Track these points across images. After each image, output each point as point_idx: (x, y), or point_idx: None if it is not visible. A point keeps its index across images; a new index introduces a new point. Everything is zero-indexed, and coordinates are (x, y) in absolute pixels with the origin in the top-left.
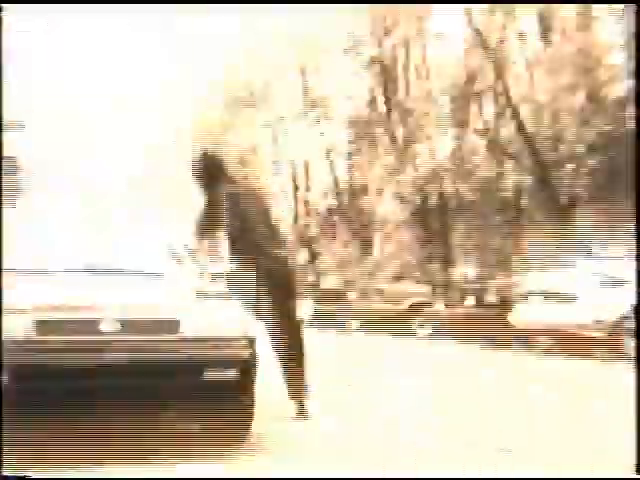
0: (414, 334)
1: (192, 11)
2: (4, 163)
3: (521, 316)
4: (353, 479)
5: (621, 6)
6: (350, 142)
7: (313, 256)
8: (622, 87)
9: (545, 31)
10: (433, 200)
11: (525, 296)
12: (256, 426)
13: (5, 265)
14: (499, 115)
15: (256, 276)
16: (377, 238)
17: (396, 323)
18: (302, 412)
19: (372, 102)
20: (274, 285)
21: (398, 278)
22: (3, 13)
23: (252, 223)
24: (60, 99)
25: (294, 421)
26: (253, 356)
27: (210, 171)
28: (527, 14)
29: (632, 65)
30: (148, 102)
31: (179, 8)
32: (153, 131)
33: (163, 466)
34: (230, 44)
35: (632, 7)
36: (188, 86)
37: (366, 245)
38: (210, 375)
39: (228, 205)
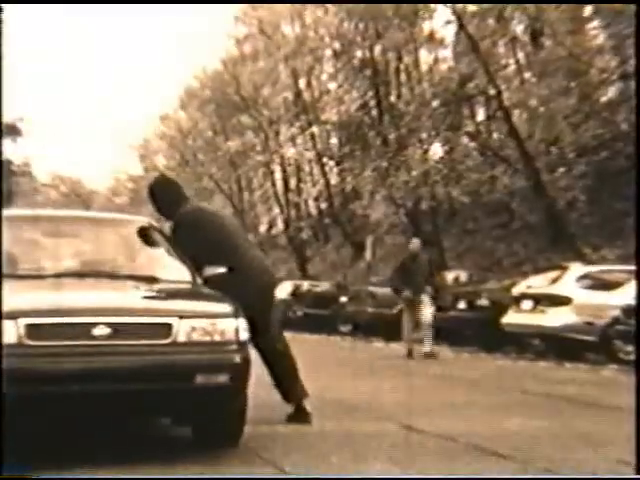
0: None
1: (185, 10)
2: None
3: (513, 320)
4: (353, 479)
5: (617, 7)
6: (342, 146)
7: (305, 260)
8: (614, 89)
9: (536, 35)
10: (425, 203)
11: (517, 299)
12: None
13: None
14: (491, 118)
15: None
16: (369, 241)
17: (388, 327)
18: (301, 415)
19: (364, 105)
20: (251, 297)
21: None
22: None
23: (216, 240)
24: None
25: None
26: (245, 360)
27: (169, 196)
28: (518, 18)
29: (626, 67)
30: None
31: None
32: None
33: (155, 471)
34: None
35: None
36: (177, 87)
37: (358, 249)
38: (202, 380)
39: (191, 225)
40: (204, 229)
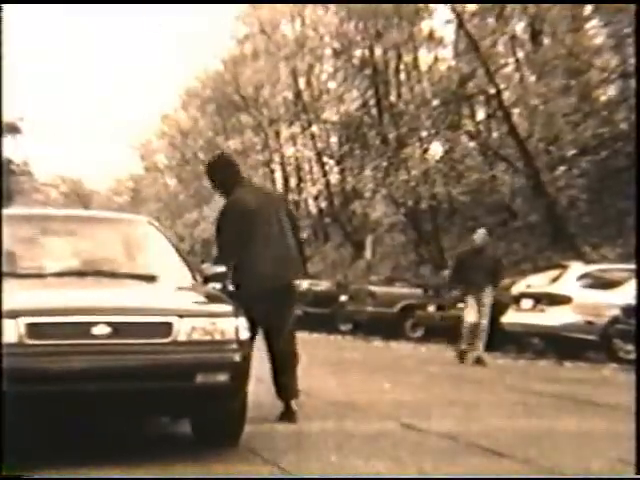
0: (406, 336)
1: (185, 10)
2: None
3: (513, 319)
4: (353, 479)
5: (617, 5)
6: (341, 145)
7: (305, 258)
8: (614, 88)
9: (536, 34)
10: (425, 203)
11: (517, 298)
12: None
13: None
14: (491, 117)
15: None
16: (369, 241)
17: (388, 326)
18: (288, 414)
19: (363, 105)
20: (269, 291)
21: (390, 281)
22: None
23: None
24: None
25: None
26: (245, 359)
27: (226, 174)
28: (518, 17)
29: (626, 66)
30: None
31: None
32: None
33: (156, 470)
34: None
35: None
36: (177, 87)
37: (358, 248)
38: (202, 379)
39: (237, 211)
40: (240, 220)
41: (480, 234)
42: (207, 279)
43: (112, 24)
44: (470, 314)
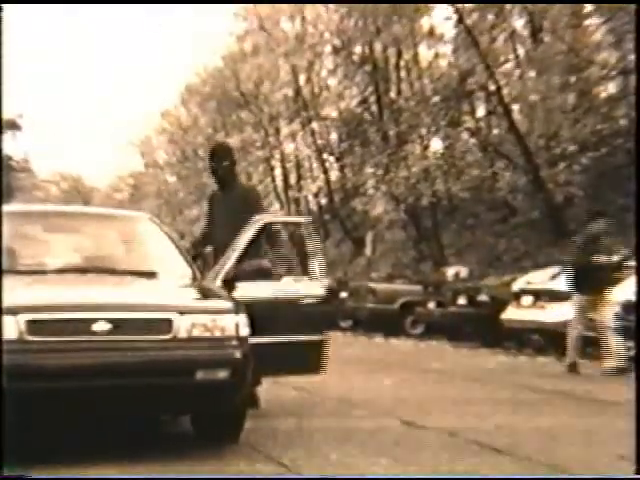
0: (406, 333)
1: (184, 10)
2: None
3: (513, 315)
4: (353, 479)
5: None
6: (341, 142)
7: (304, 256)
8: (613, 85)
9: (536, 30)
10: (425, 199)
11: (517, 295)
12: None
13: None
14: (491, 114)
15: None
16: (369, 237)
17: (388, 322)
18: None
19: (363, 101)
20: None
21: (390, 277)
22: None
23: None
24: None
25: None
26: (246, 356)
27: (229, 162)
28: (518, 14)
29: (626, 63)
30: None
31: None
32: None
33: (156, 467)
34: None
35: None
36: (177, 83)
37: (358, 245)
38: (202, 376)
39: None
40: None
41: (599, 222)
42: (237, 277)
43: (112, 24)
44: (583, 315)
